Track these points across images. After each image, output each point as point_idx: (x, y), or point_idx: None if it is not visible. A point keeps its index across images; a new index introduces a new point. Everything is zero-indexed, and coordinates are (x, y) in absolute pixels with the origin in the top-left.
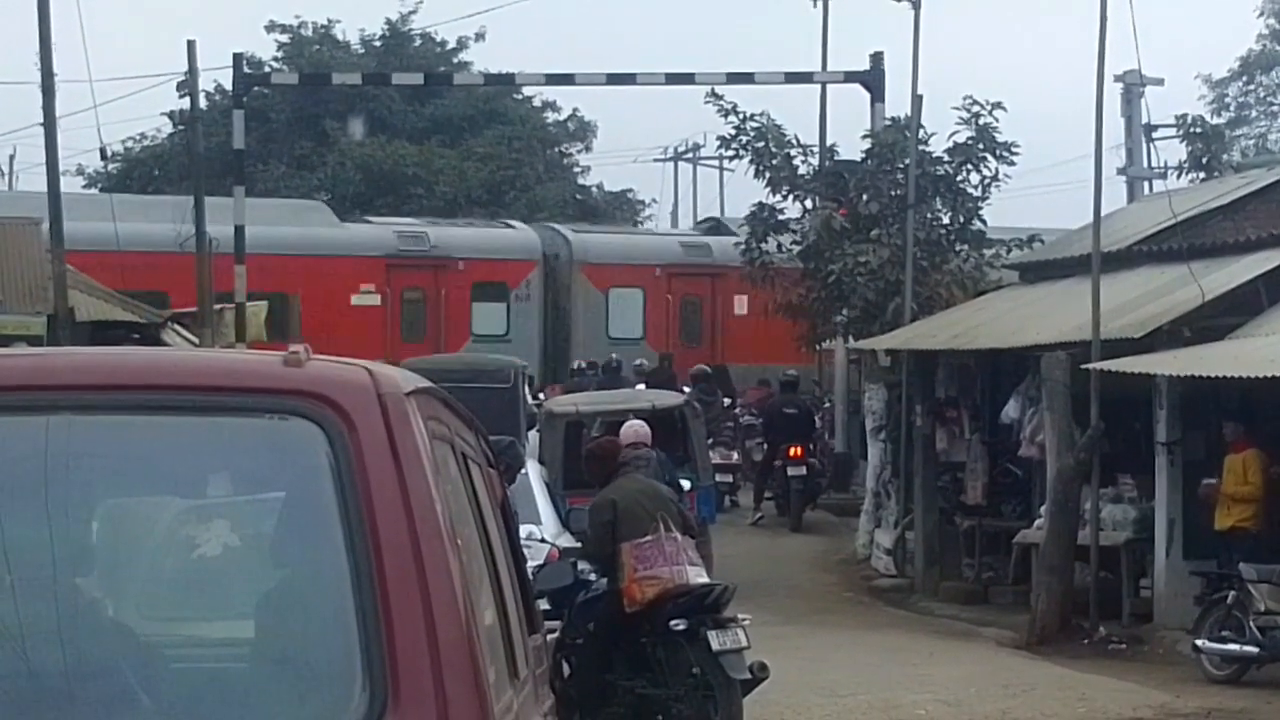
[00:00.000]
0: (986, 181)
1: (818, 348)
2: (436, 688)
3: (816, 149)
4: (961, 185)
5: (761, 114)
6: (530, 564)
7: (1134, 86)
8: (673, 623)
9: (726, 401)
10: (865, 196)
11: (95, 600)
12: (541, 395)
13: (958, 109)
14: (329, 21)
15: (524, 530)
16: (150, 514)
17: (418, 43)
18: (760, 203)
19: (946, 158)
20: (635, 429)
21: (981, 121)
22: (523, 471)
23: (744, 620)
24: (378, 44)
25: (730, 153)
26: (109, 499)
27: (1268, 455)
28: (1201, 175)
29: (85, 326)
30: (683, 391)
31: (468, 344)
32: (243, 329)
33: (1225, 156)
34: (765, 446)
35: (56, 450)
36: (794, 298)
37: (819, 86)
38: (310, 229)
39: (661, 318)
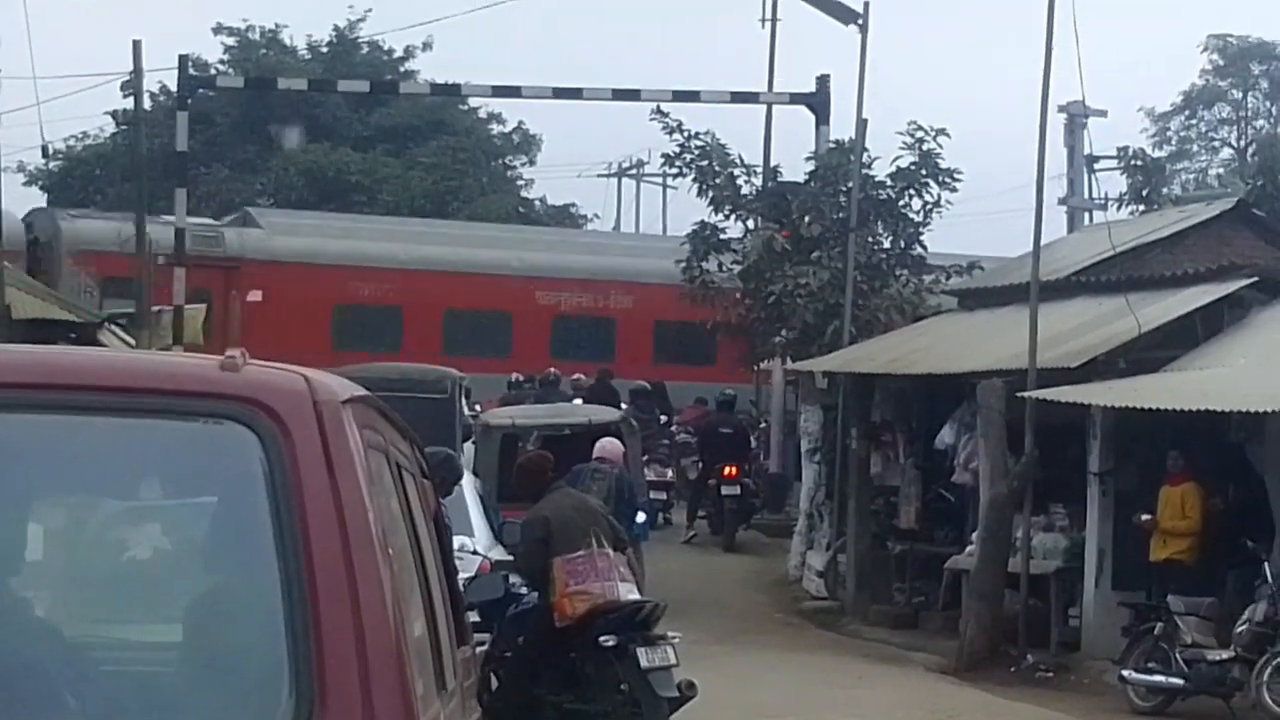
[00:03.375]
0: (928, 207)
1: (755, 368)
2: (363, 696)
3: (760, 169)
4: (903, 210)
5: (706, 133)
6: (462, 576)
7: (1077, 117)
8: (602, 639)
9: (663, 419)
10: (807, 218)
11: (22, 600)
12: (478, 406)
13: (902, 134)
14: (277, 26)
15: (456, 542)
16: (81, 515)
17: (365, 50)
18: (702, 221)
19: (889, 182)
20: (604, 444)
21: (925, 147)
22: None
23: (674, 638)
24: (325, 50)
25: (674, 170)
26: (39, 499)
27: (1204, 488)
28: (1141, 208)
29: (21, 324)
30: (621, 407)
31: None
32: (180, 331)
33: (1165, 190)
34: (700, 465)
35: None
36: (733, 317)
37: (765, 107)
38: None
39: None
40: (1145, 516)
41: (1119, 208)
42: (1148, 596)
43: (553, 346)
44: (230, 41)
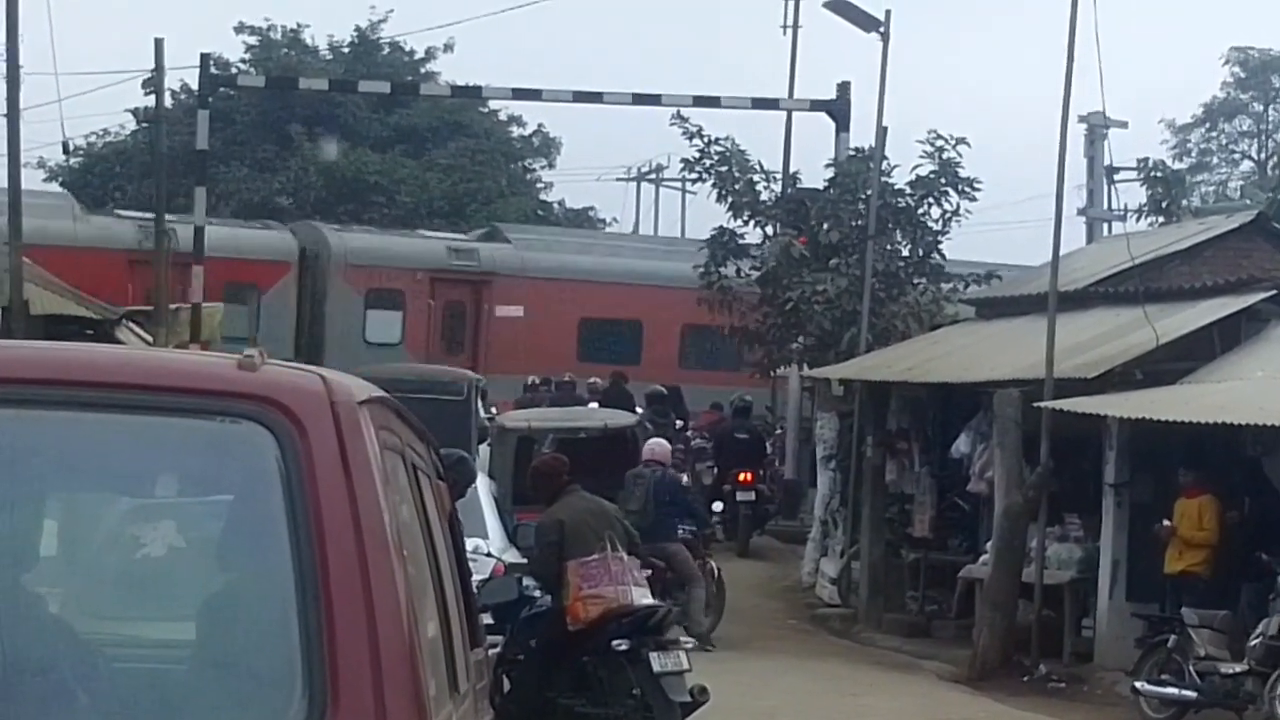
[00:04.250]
0: (947, 216)
1: (772, 374)
2: (376, 698)
3: (779, 175)
4: (922, 218)
5: (726, 138)
6: (475, 578)
7: (1098, 128)
8: (615, 643)
9: (679, 424)
10: (826, 225)
11: (37, 596)
12: (494, 409)
13: (922, 142)
14: (298, 26)
15: (470, 544)
16: (97, 512)
17: (386, 51)
18: (721, 227)
19: (908, 190)
20: (652, 445)
21: (945, 156)
22: (472, 486)
23: (686, 643)
24: (346, 50)
25: (693, 175)
26: (56, 495)
27: (1221, 501)
28: (1161, 219)
29: (39, 320)
30: (636, 411)
31: None
32: (198, 329)
33: (1185, 202)
34: (715, 470)
35: (3, 444)
36: (750, 323)
37: (785, 114)
38: None
39: None
40: (1165, 523)
41: (1138, 219)
42: (1162, 608)
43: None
44: (252, 41)
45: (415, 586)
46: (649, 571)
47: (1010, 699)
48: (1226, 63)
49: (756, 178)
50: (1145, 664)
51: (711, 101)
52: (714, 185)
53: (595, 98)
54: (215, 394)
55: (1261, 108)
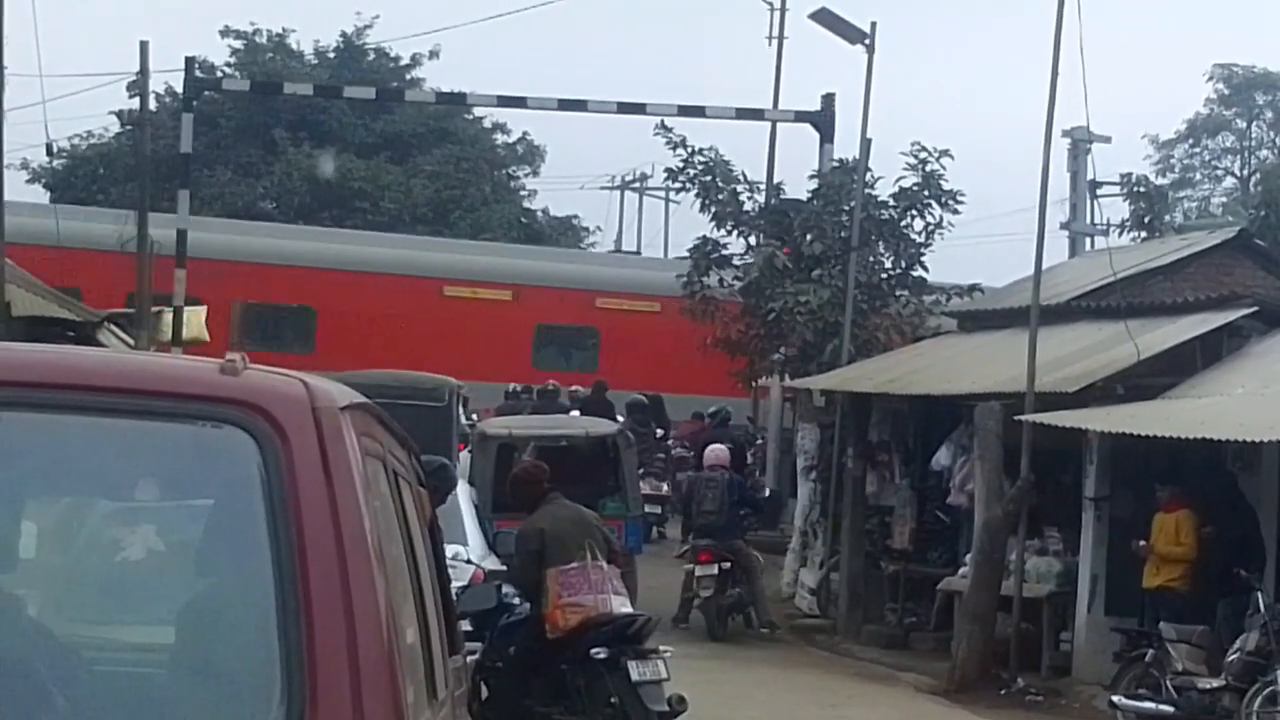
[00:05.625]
0: (930, 228)
1: (753, 384)
2: (354, 705)
3: (763, 186)
4: (905, 230)
5: (710, 148)
6: (455, 584)
7: (1081, 143)
8: (593, 651)
9: (659, 433)
10: (809, 236)
11: (15, 598)
12: (475, 415)
13: (905, 154)
14: (284, 30)
15: (450, 550)
16: (76, 514)
17: (371, 57)
18: (704, 236)
19: (892, 202)
20: (716, 451)
21: (928, 168)
22: (452, 493)
23: (665, 652)
24: (331, 56)
25: (677, 185)
26: (35, 497)
27: (1198, 516)
28: (1143, 235)
29: (20, 321)
30: (618, 420)
31: None
32: (179, 332)
33: (1167, 217)
34: None
35: None
36: (733, 333)
37: (769, 124)
38: None
39: None
40: (1142, 543)
41: (1121, 234)
42: (1140, 623)
43: None
44: (237, 45)
45: (395, 593)
46: (727, 565)
47: (988, 711)
48: (1210, 79)
49: (740, 188)
50: (1123, 678)
51: (696, 111)
52: (697, 195)
53: (580, 106)
54: (197, 398)
55: (1245, 124)
